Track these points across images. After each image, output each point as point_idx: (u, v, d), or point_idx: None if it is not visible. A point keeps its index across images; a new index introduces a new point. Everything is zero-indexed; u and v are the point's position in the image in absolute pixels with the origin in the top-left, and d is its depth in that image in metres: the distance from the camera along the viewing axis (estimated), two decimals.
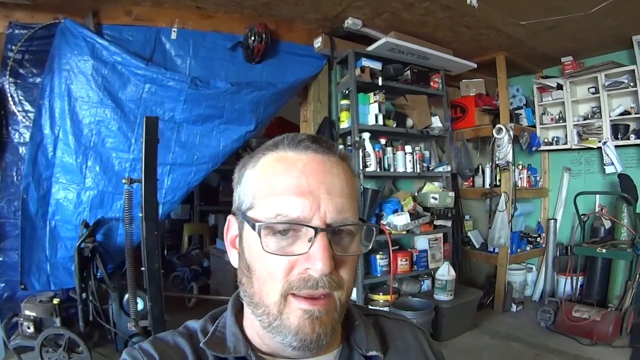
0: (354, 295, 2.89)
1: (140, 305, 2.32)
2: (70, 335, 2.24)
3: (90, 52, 2.53)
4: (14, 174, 2.61)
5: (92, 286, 2.40)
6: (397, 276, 2.98)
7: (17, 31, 2.69)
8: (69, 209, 2.49)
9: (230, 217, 0.57)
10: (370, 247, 0.54)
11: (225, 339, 0.54)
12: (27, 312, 2.33)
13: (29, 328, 2.30)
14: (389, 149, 2.95)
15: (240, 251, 0.53)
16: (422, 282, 3.16)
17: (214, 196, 4.15)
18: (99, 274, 2.45)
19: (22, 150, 2.60)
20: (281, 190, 0.48)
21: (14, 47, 2.67)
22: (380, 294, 2.96)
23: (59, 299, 2.36)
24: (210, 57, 2.62)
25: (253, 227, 0.48)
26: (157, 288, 2.04)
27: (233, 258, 0.56)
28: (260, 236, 0.48)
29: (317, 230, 0.47)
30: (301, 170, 0.49)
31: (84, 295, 2.36)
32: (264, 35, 2.62)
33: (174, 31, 2.59)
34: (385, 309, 2.83)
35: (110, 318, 2.44)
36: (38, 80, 2.62)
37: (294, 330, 0.48)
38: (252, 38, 2.61)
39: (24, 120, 2.61)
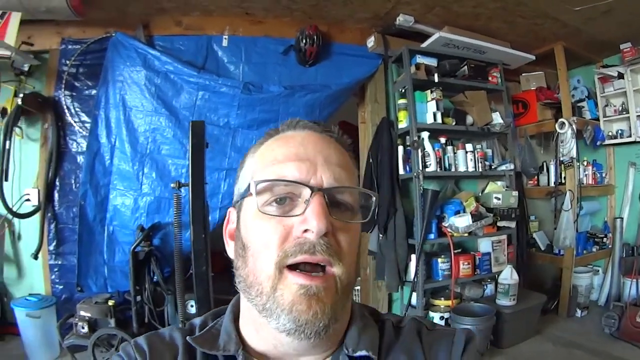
0: (413, 300, 2.79)
1: (194, 309, 2.28)
2: (123, 336, 2.24)
3: (142, 62, 2.54)
4: (72, 181, 2.67)
5: (148, 289, 2.40)
6: (459, 280, 2.84)
7: (70, 46, 2.75)
8: (126, 214, 2.52)
9: (230, 210, 0.56)
10: (369, 217, 0.51)
11: (219, 336, 0.53)
12: (82, 313, 2.37)
13: (83, 328, 2.34)
14: (449, 147, 2.80)
15: (237, 234, 0.52)
16: (485, 287, 2.99)
17: None
18: (155, 278, 2.45)
19: (79, 159, 2.65)
20: (279, 159, 0.48)
21: (68, 62, 2.72)
22: (442, 299, 2.83)
23: (114, 301, 2.37)
24: (263, 62, 2.59)
25: (248, 189, 0.49)
26: (205, 291, 2.00)
27: (230, 250, 0.55)
28: (255, 195, 0.47)
29: (313, 189, 0.46)
30: (299, 142, 0.49)
31: (138, 297, 2.38)
32: (315, 38, 2.56)
33: (225, 38, 2.57)
34: (446, 314, 2.71)
35: (166, 320, 2.44)
36: (93, 92, 2.65)
37: (287, 307, 0.44)
38: (304, 41, 2.55)
39: (80, 130, 2.65)
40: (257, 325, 0.50)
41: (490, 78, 3.07)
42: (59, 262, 2.70)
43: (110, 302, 2.35)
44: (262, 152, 0.52)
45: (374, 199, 0.51)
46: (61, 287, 2.71)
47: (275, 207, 0.47)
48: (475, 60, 2.99)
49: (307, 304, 0.44)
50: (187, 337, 0.53)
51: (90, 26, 2.72)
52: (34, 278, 2.86)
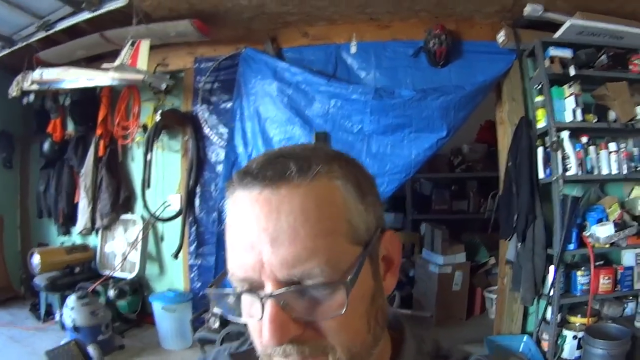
0: (548, 315, 2.61)
1: None
2: None
3: (273, 75, 2.67)
4: (212, 188, 2.90)
5: None
6: (598, 296, 2.58)
7: (202, 64, 2.99)
8: None
9: None
10: (345, 309, 0.37)
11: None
12: (215, 310, 2.47)
13: (215, 323, 2.50)
14: (591, 148, 2.57)
15: None
16: (625, 305, 2.69)
17: (426, 205, 4.06)
18: None
19: (218, 168, 2.87)
20: (230, 245, 0.41)
21: (202, 79, 2.97)
22: (579, 315, 2.58)
23: None
24: (394, 66, 2.59)
25: None
26: None
27: None
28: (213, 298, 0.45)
29: (261, 297, 0.37)
30: (245, 217, 0.39)
31: None
32: (443, 37, 2.50)
33: (353, 45, 2.62)
34: (580, 334, 2.47)
35: None
36: (228, 105, 2.85)
37: None
38: (432, 41, 2.50)
39: (218, 141, 2.87)
40: None
41: (630, 66, 2.76)
42: (199, 262, 2.95)
43: None
44: (227, 216, 0.43)
45: (345, 289, 0.37)
46: (199, 284, 2.96)
47: (247, 296, 0.40)
48: (613, 47, 2.71)
49: None
50: (226, 352, 0.53)
51: (220, 44, 2.93)
52: (174, 275, 3.16)
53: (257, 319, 0.38)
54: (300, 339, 0.38)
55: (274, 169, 0.39)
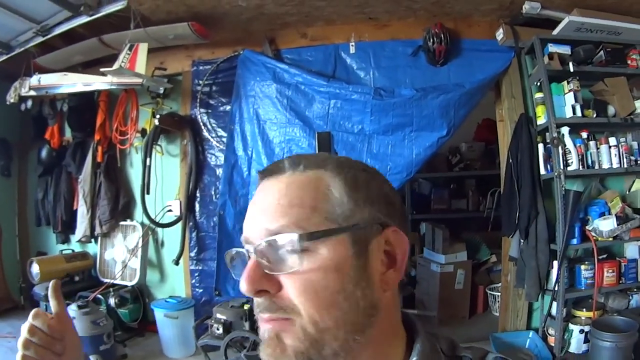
0: (553, 310, 2.61)
1: None
2: (256, 339, 2.32)
3: (272, 76, 2.66)
4: (212, 192, 2.87)
5: None
6: (603, 289, 2.58)
7: (200, 67, 2.97)
8: None
9: None
10: (288, 264, 0.43)
11: None
12: (218, 316, 2.51)
13: (218, 329, 2.47)
14: (591, 143, 2.57)
15: None
16: (630, 297, 2.69)
17: (425, 205, 4.02)
18: None
19: (218, 171, 2.83)
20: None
21: (200, 82, 2.94)
22: (584, 310, 2.59)
23: (249, 305, 2.45)
24: (393, 66, 2.58)
25: None
26: None
27: None
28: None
29: (241, 253, 0.47)
30: (252, 201, 0.49)
31: None
32: (442, 36, 2.50)
33: (352, 45, 2.62)
34: (587, 327, 2.46)
35: None
36: (227, 108, 2.83)
37: (262, 349, 0.45)
38: (431, 40, 2.50)
39: (218, 144, 2.85)
40: None
41: (629, 61, 2.77)
42: (200, 268, 2.91)
43: (246, 307, 2.46)
44: None
45: (276, 242, 0.43)
46: (201, 290, 2.92)
47: (242, 256, 0.48)
48: (611, 43, 2.72)
49: (268, 345, 0.45)
50: (243, 354, 0.59)
51: (218, 47, 2.92)
52: (175, 282, 3.12)
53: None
54: (272, 297, 0.43)
55: (274, 165, 0.49)
